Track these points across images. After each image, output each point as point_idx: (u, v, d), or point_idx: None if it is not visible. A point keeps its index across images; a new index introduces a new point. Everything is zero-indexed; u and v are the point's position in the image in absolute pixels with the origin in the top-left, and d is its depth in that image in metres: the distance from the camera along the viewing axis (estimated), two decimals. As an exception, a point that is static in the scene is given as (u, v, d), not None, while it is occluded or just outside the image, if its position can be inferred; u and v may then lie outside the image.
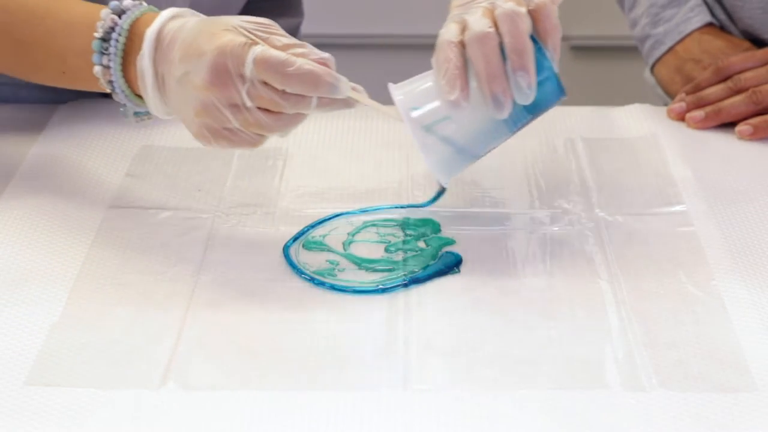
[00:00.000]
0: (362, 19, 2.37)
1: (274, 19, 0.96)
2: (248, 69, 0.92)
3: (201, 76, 0.92)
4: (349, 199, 1.10)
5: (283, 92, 0.92)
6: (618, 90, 1.87)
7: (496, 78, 0.95)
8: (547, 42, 0.98)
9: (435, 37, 0.99)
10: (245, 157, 1.16)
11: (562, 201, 1.09)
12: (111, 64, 0.98)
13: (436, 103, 0.98)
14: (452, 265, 1.00)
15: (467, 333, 0.92)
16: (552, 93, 0.98)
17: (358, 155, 1.17)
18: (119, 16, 0.98)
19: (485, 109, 0.97)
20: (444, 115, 0.97)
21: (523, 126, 1.00)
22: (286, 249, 1.02)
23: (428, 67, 1.00)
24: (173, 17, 0.97)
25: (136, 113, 1.03)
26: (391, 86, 0.99)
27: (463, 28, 0.98)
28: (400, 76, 1.01)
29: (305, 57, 0.93)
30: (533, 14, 0.97)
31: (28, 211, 1.07)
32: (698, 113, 1.24)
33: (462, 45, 0.97)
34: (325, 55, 0.94)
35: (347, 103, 0.95)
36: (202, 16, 0.97)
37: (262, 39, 0.93)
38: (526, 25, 0.96)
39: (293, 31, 1.46)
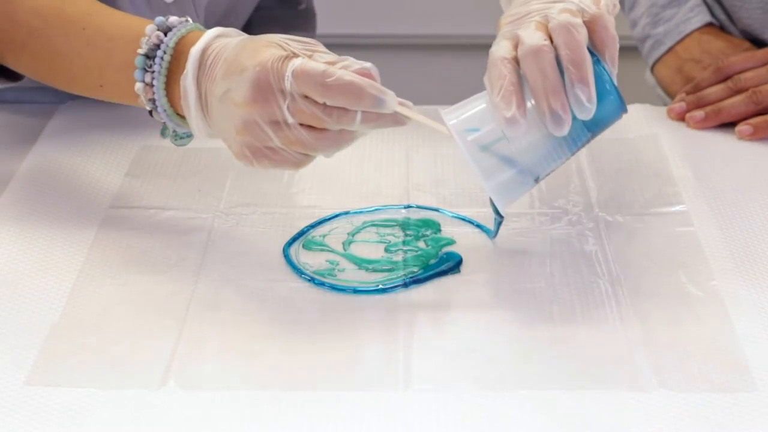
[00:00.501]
0: (364, 19, 2.38)
1: (286, 33, 0.95)
2: (287, 82, 0.89)
3: (242, 92, 0.90)
4: (349, 199, 1.10)
5: (325, 106, 0.89)
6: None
7: (555, 92, 0.90)
8: (605, 54, 0.94)
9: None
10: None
11: (562, 201, 1.09)
12: (154, 82, 0.96)
13: (492, 124, 0.93)
14: (452, 265, 1.00)
15: (467, 333, 0.92)
16: (613, 108, 0.93)
17: (358, 155, 1.17)
18: (165, 33, 0.96)
19: (543, 127, 0.92)
20: (501, 135, 0.92)
21: (583, 145, 0.95)
22: (286, 249, 1.02)
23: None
24: (219, 36, 0.95)
25: (175, 136, 1.00)
26: (442, 111, 0.95)
27: (516, 44, 0.93)
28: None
29: (347, 69, 0.89)
30: (589, 25, 0.93)
31: (28, 211, 1.07)
32: (698, 113, 1.24)
33: (516, 61, 0.92)
34: (367, 64, 0.91)
35: (396, 119, 0.91)
36: (246, 35, 0.95)
37: (305, 55, 0.91)
38: (582, 36, 0.92)
39: None
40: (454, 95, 1.03)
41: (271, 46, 0.91)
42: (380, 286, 0.97)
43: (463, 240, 1.04)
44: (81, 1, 1.03)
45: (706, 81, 1.27)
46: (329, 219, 1.07)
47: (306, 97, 0.89)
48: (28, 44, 1.04)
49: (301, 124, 0.90)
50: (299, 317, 0.94)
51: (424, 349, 0.90)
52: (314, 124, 0.90)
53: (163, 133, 1.00)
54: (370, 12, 2.36)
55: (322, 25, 1.50)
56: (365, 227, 1.06)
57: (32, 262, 1.00)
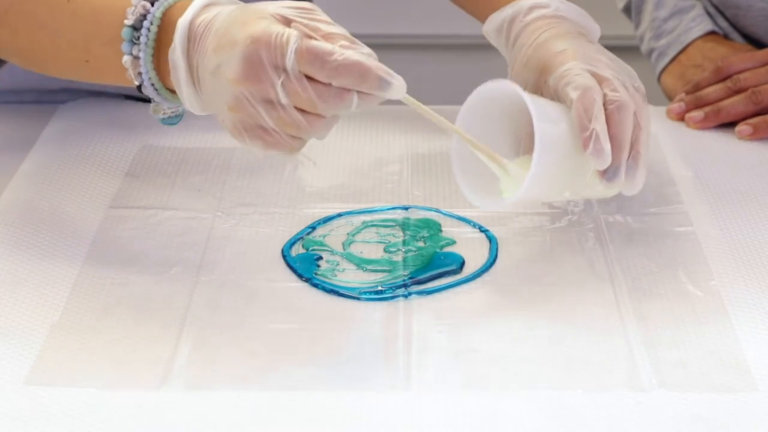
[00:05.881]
0: (365, 19, 2.38)
1: None
2: (289, 60, 0.85)
3: (234, 68, 0.86)
4: (349, 199, 1.10)
5: (322, 90, 0.85)
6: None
7: (625, 149, 0.96)
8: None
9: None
10: (245, 157, 1.16)
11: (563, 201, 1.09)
12: (141, 54, 0.91)
13: (564, 151, 0.95)
14: (453, 265, 1.00)
15: (467, 333, 0.92)
16: None
17: (358, 155, 1.17)
18: (152, 4, 0.92)
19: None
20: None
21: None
22: (286, 249, 1.02)
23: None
24: (208, 5, 0.90)
25: (163, 120, 0.97)
26: (527, 97, 0.93)
27: (599, 82, 0.97)
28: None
29: (353, 49, 0.86)
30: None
31: (28, 211, 1.07)
32: (698, 113, 1.24)
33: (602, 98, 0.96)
34: (366, 49, 0.87)
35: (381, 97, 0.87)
36: (239, 4, 0.91)
37: (303, 26, 0.86)
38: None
39: None
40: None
41: (264, 18, 0.87)
42: (380, 287, 0.97)
43: (463, 240, 1.04)
44: None
45: (706, 81, 1.27)
46: (329, 219, 1.07)
47: (305, 77, 0.86)
48: (7, 16, 0.98)
49: (295, 107, 0.87)
50: (299, 317, 0.94)
51: (424, 349, 0.90)
52: (307, 107, 0.87)
53: (153, 109, 0.96)
54: (370, 12, 2.36)
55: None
56: (365, 227, 1.06)
57: (32, 262, 1.00)
